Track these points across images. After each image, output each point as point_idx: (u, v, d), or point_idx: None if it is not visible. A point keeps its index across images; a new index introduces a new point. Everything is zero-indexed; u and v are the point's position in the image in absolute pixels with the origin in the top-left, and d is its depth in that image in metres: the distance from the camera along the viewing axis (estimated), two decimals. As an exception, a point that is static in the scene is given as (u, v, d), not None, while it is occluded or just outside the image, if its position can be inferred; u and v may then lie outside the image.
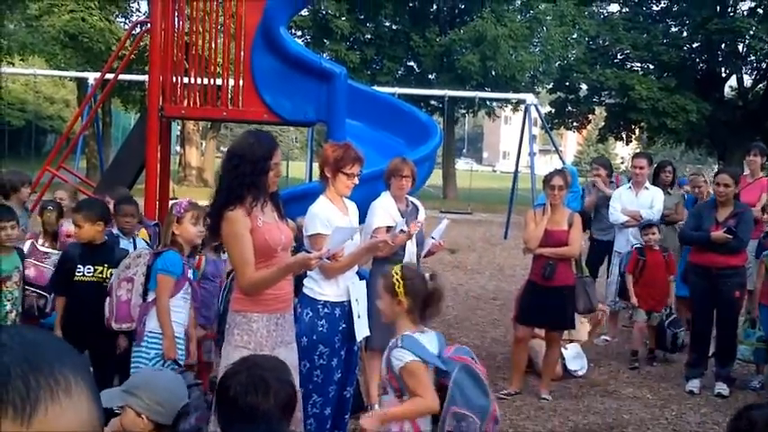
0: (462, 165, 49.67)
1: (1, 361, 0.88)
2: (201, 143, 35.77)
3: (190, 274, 5.44)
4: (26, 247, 6.38)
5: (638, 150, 33.14)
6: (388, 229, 6.25)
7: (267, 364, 2.78)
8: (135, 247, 6.59)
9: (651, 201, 9.46)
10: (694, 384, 7.92)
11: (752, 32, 31.89)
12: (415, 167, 6.73)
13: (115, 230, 6.53)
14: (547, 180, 7.53)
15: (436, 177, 32.11)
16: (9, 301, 5.65)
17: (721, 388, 7.82)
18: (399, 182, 6.58)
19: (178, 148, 33.62)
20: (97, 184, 9.32)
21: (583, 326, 8.59)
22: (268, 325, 4.57)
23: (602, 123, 40.08)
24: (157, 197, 8.12)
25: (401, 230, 6.14)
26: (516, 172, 21.36)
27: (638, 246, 8.98)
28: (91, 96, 12.07)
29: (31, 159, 26.45)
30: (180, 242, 5.43)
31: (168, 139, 8.39)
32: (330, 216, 5.31)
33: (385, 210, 6.45)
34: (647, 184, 9.70)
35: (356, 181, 5.44)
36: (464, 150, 66.28)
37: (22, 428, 0.85)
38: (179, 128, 32.04)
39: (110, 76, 11.54)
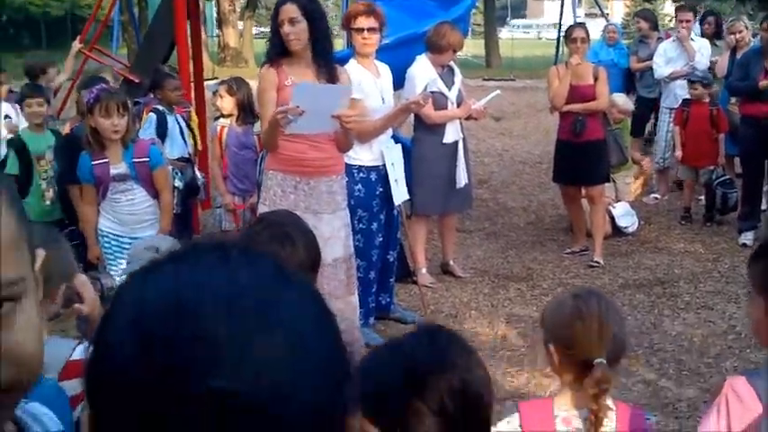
0: (505, 33, 48.52)
1: None
2: (239, 24, 35.26)
3: (113, 170, 4.87)
4: None
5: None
6: None
7: (285, 218, 2.66)
8: (179, 125, 6.49)
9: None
10: (747, 237, 7.74)
11: None
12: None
13: (161, 107, 6.42)
14: (568, 34, 7.43)
15: (478, 47, 31.40)
16: (44, 179, 5.65)
17: (774, 239, 7.65)
18: (451, 55, 6.48)
19: (217, 31, 33.60)
20: (131, 63, 9.21)
21: (627, 186, 8.46)
22: (283, 185, 4.56)
23: (649, -19, 38.72)
24: (192, 78, 8.06)
25: (433, 91, 6.04)
26: (559, 37, 20.73)
27: (686, 98, 8.70)
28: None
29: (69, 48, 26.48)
30: (99, 137, 4.82)
31: (197, 15, 8.22)
32: (360, 78, 5.26)
33: (424, 75, 6.29)
34: (693, 35, 9.41)
35: (368, 36, 5.35)
36: (507, 19, 64.85)
37: None
38: (216, 10, 31.64)
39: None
